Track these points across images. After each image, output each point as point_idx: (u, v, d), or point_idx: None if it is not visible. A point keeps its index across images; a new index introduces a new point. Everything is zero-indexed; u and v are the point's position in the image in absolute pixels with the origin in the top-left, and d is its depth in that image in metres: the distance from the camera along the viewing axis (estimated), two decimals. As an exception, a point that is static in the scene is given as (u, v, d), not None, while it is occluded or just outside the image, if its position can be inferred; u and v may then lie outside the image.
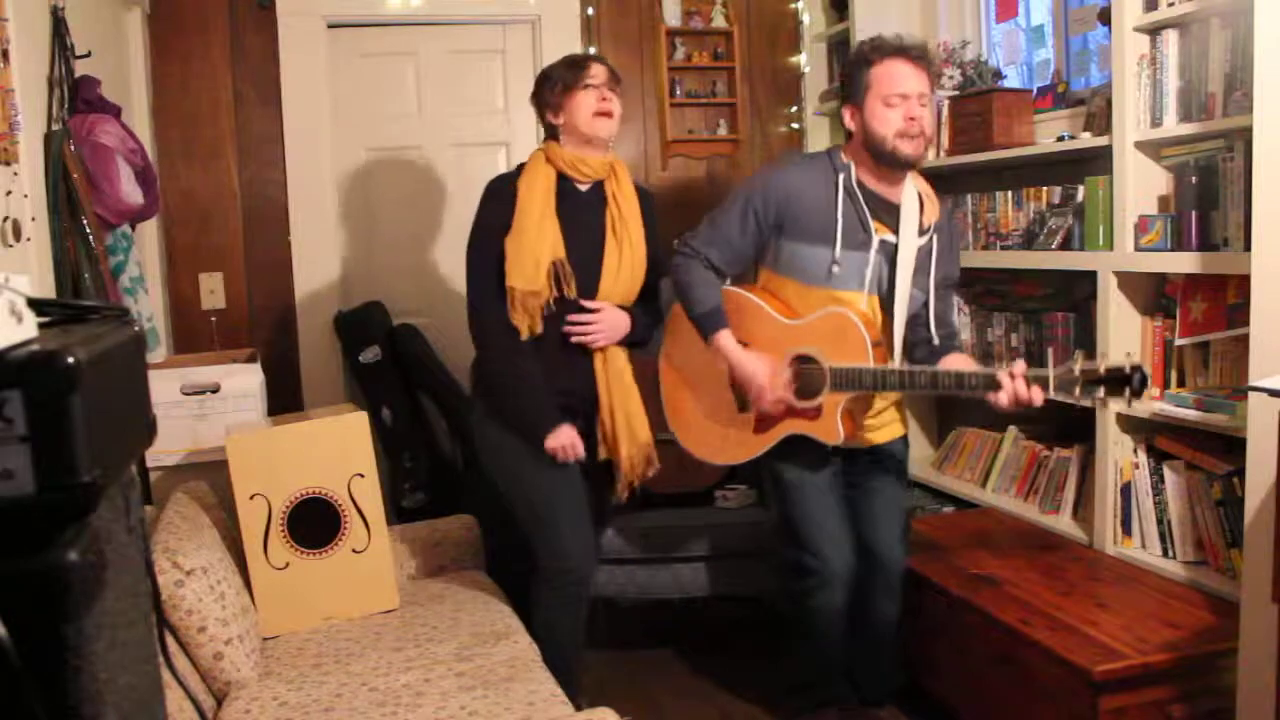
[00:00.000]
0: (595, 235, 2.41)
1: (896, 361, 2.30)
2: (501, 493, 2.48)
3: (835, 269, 2.28)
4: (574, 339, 2.38)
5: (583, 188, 2.43)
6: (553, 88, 2.39)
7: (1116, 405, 2.40)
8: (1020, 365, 2.08)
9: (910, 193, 2.32)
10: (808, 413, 2.30)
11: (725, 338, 2.34)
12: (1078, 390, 2.02)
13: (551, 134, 2.44)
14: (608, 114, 2.37)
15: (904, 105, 2.21)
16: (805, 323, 2.30)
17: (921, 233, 2.32)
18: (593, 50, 3.76)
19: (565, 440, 2.36)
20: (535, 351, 2.36)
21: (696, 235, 2.39)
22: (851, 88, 2.29)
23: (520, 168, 2.45)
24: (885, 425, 2.46)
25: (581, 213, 2.40)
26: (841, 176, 2.29)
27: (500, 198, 2.39)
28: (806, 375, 2.29)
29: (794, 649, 2.62)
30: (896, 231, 2.30)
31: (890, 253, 2.30)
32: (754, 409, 2.36)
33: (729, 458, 2.48)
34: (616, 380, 2.43)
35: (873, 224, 2.29)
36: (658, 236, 2.55)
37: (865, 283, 2.30)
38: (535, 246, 2.31)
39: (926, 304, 2.37)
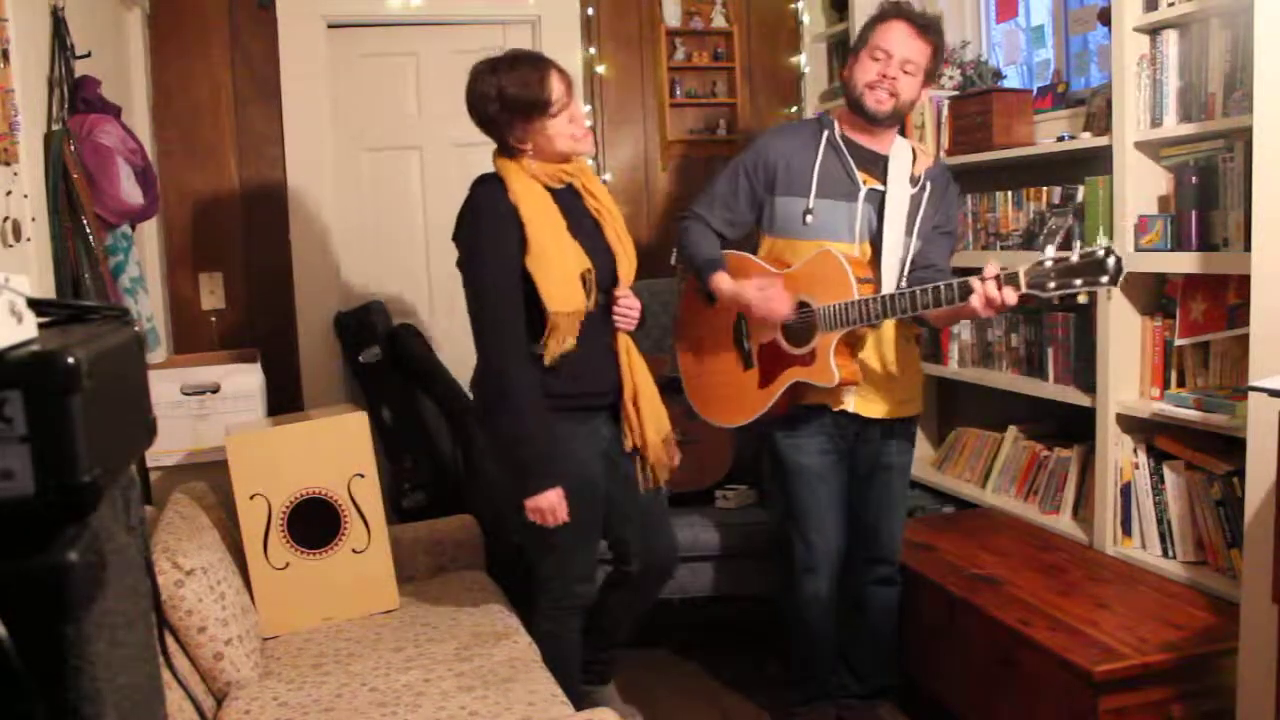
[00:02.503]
0: (596, 231, 2.33)
1: None
2: (515, 517, 2.32)
3: (809, 218, 2.35)
4: (622, 327, 2.34)
5: (557, 189, 2.29)
6: (509, 116, 2.19)
7: (1091, 294, 2.23)
8: (991, 268, 2.01)
9: (901, 145, 2.42)
10: (803, 359, 2.34)
11: (719, 278, 2.39)
12: (1052, 284, 1.92)
13: (506, 151, 2.27)
14: (586, 132, 2.28)
15: (884, 62, 2.30)
16: (794, 269, 2.37)
17: (914, 182, 2.39)
18: (595, 56, 3.76)
19: (545, 504, 2.21)
20: (572, 361, 2.23)
21: (697, 202, 2.50)
22: (858, 39, 2.39)
23: (487, 180, 2.29)
24: (892, 402, 2.46)
25: (576, 216, 2.32)
26: (826, 132, 2.39)
27: (503, 213, 2.20)
28: (801, 322, 2.35)
29: (788, 640, 2.64)
30: (884, 181, 2.37)
31: (878, 201, 2.37)
32: (754, 329, 2.40)
33: (741, 416, 2.48)
34: (639, 368, 2.38)
35: (859, 174, 2.36)
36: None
37: (855, 232, 2.36)
38: (563, 264, 2.20)
39: (915, 250, 2.41)
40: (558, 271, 2.18)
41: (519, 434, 2.22)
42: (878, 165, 2.38)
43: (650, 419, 2.38)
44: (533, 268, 2.17)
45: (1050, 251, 1.95)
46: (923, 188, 2.39)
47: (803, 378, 2.34)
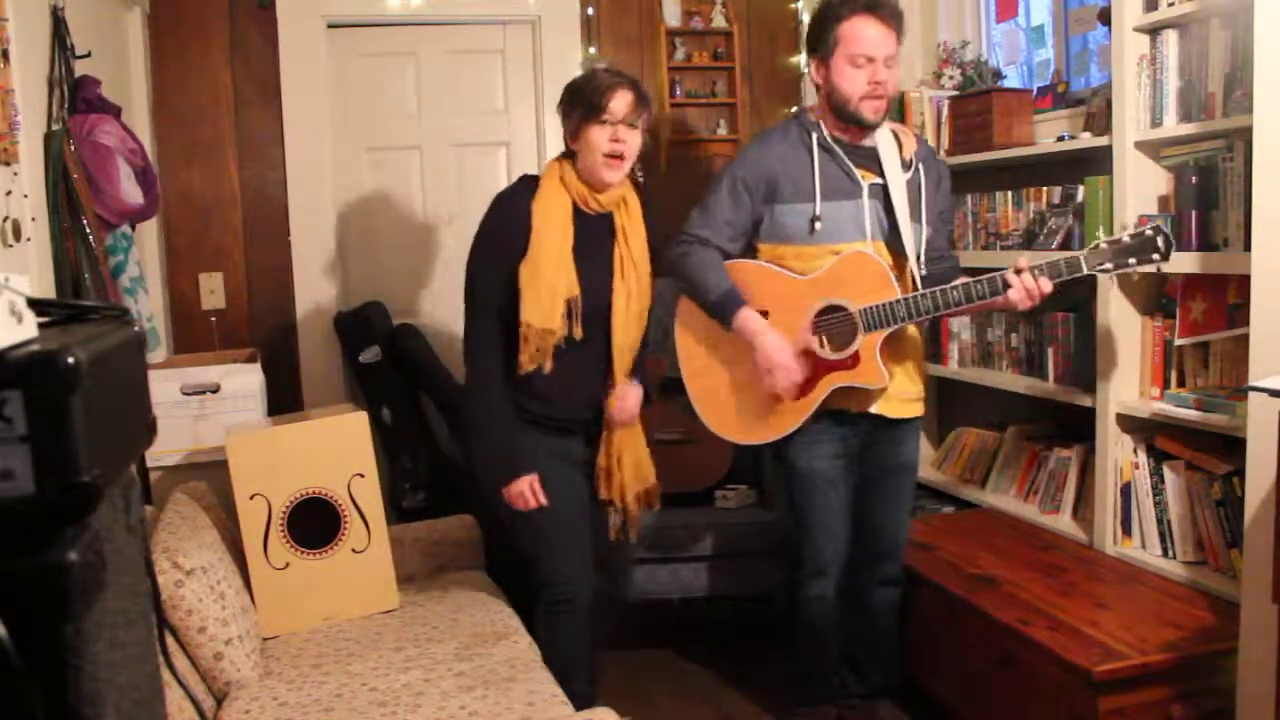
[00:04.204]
0: (605, 271, 2.32)
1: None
2: (501, 513, 2.39)
3: (817, 225, 2.30)
4: (618, 420, 2.36)
5: (593, 215, 2.34)
6: (573, 111, 2.27)
7: (1141, 272, 2.31)
8: (1023, 260, 2.16)
9: (883, 133, 2.36)
10: (846, 363, 2.29)
11: (747, 316, 2.32)
12: (1109, 265, 2.10)
13: (568, 152, 2.34)
14: (618, 158, 2.24)
15: (870, 68, 2.25)
16: (823, 272, 2.30)
17: (905, 168, 2.35)
18: (596, 56, 3.76)
19: (522, 489, 2.29)
20: (543, 380, 2.28)
21: (690, 224, 2.41)
22: (818, 41, 2.31)
23: (527, 180, 2.36)
24: (915, 399, 2.46)
25: (593, 247, 2.31)
26: (815, 136, 2.34)
27: (512, 218, 2.28)
28: (834, 325, 2.30)
29: (790, 642, 2.63)
30: (881, 174, 2.33)
31: (883, 196, 2.33)
32: (767, 389, 2.33)
33: (776, 430, 2.39)
34: (629, 430, 2.39)
35: (857, 172, 2.33)
36: (656, 245, 2.47)
37: (866, 230, 2.32)
38: (553, 282, 2.22)
39: (926, 237, 2.38)
40: (544, 286, 2.22)
41: (479, 424, 2.35)
42: (871, 159, 2.35)
43: (631, 476, 2.40)
44: (523, 275, 2.23)
45: (1102, 235, 2.14)
46: (915, 170, 2.37)
47: (847, 382, 2.29)
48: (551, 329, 2.23)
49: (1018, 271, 2.14)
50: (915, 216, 2.35)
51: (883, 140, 2.35)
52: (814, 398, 2.33)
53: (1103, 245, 2.10)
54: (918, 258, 2.34)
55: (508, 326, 2.28)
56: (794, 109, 4.00)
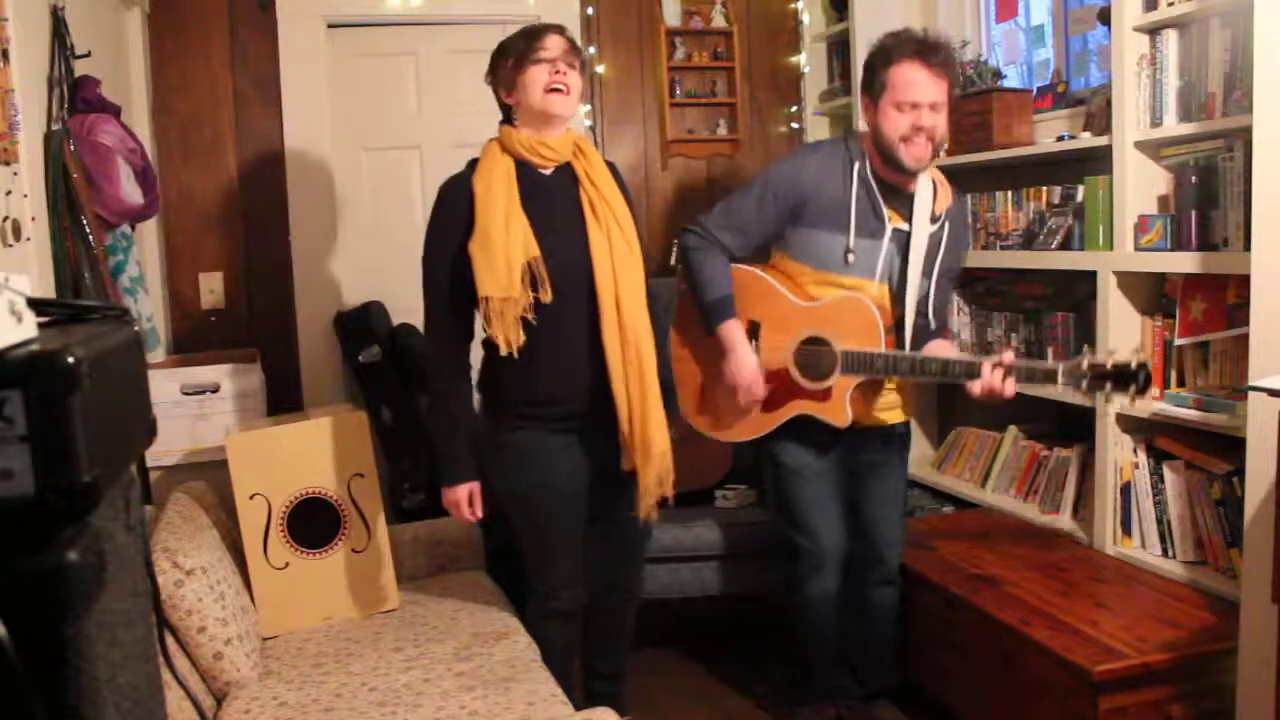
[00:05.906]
0: (573, 223, 2.17)
1: (907, 348, 2.32)
2: (505, 508, 2.35)
3: (850, 257, 2.31)
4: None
5: (546, 173, 2.21)
6: (506, 62, 2.19)
7: (1118, 402, 2.36)
8: (1008, 355, 2.14)
9: (924, 180, 2.35)
10: (816, 394, 2.32)
11: (732, 329, 2.34)
12: (1084, 384, 2.06)
13: (507, 117, 2.24)
14: (561, 90, 2.14)
15: (914, 114, 2.24)
16: (819, 305, 2.33)
17: (934, 220, 2.35)
18: (594, 57, 3.76)
19: (457, 498, 2.22)
20: (526, 361, 2.13)
21: (710, 218, 2.39)
22: (869, 81, 2.32)
23: (471, 162, 2.25)
24: (894, 406, 2.47)
25: (552, 201, 2.17)
26: (857, 165, 2.33)
27: (454, 201, 2.19)
28: (815, 357, 2.32)
29: (789, 640, 2.63)
30: (909, 219, 2.33)
31: (902, 241, 2.34)
32: (766, 352, 2.37)
33: (735, 434, 2.47)
34: (636, 381, 2.16)
35: (886, 212, 2.33)
36: (639, 217, 2.36)
37: (877, 272, 2.33)
38: (505, 248, 2.08)
39: (929, 292, 2.38)
40: (496, 252, 2.09)
41: (433, 429, 2.32)
42: (904, 202, 2.34)
43: (640, 445, 2.19)
44: (473, 250, 2.12)
45: (1088, 355, 2.08)
46: (942, 226, 2.36)
47: (812, 413, 2.34)
48: (512, 296, 2.08)
49: (994, 366, 2.13)
50: (926, 271, 2.36)
51: (921, 188, 2.34)
52: (778, 415, 2.38)
53: (1085, 365, 2.06)
54: (917, 307, 2.35)
55: (470, 317, 2.23)
56: (793, 108, 4.01)
